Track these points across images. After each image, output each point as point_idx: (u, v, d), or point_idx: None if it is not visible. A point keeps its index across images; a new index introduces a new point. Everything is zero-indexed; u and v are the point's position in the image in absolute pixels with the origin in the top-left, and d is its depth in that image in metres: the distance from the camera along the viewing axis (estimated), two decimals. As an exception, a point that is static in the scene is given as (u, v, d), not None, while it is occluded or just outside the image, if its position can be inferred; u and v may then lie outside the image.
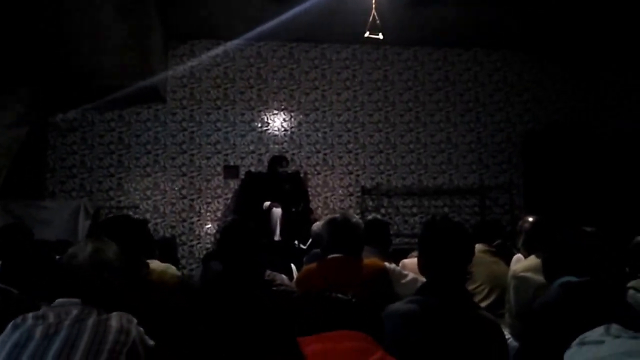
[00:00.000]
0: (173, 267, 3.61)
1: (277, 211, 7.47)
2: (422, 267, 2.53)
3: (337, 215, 3.43)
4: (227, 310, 2.74)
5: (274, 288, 2.91)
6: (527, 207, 8.62)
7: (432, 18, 7.98)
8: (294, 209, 7.63)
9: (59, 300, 2.31)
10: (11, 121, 6.85)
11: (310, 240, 6.05)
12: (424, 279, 2.61)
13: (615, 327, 1.67)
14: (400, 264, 4.05)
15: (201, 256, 8.05)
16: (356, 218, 3.41)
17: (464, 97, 9.23)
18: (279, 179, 7.76)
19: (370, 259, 3.33)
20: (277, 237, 7.34)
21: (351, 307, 1.90)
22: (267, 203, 7.51)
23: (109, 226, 3.35)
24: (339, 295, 1.94)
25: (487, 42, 9.11)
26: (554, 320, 2.45)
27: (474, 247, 2.60)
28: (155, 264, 3.43)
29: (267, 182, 7.85)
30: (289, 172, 7.99)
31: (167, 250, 6.26)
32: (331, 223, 3.37)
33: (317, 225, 5.29)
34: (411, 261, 3.86)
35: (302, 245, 7.10)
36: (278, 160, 7.88)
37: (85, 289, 2.31)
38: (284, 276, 3.17)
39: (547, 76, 9.37)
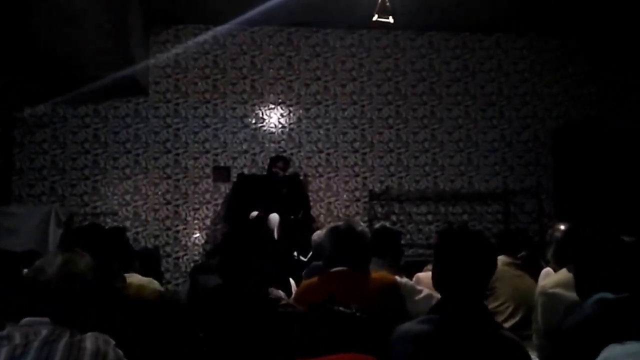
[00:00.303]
0: (155, 282, 3.62)
1: (274, 217, 7.45)
2: (437, 282, 2.51)
3: (340, 223, 3.42)
4: (223, 330, 2.74)
5: (280, 310, 2.90)
6: (558, 213, 8.57)
7: (450, -1, 7.98)
8: (292, 217, 7.63)
9: (26, 319, 2.27)
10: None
11: (310, 251, 6.04)
12: (439, 296, 2.60)
13: None
14: (414, 278, 4.05)
15: (188, 269, 8.07)
16: (362, 226, 3.40)
17: (486, 89, 9.23)
18: (276, 182, 7.75)
19: (378, 273, 3.33)
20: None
21: (355, 322, 1.90)
22: (254, 213, 7.51)
23: (83, 235, 3.34)
24: (342, 309, 1.94)
25: (511, 26, 9.07)
26: (587, 341, 2.44)
27: (496, 260, 2.59)
28: (135, 278, 3.43)
29: (263, 185, 7.85)
30: (287, 174, 7.97)
31: (149, 262, 6.27)
32: (333, 232, 3.37)
33: (318, 235, 5.27)
34: (426, 275, 3.84)
35: (302, 257, 7.09)
36: (275, 161, 7.89)
37: (55, 307, 2.29)
38: (281, 292, 3.16)
39: (581, 65, 9.34)
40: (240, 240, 3.08)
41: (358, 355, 1.79)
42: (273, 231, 7.38)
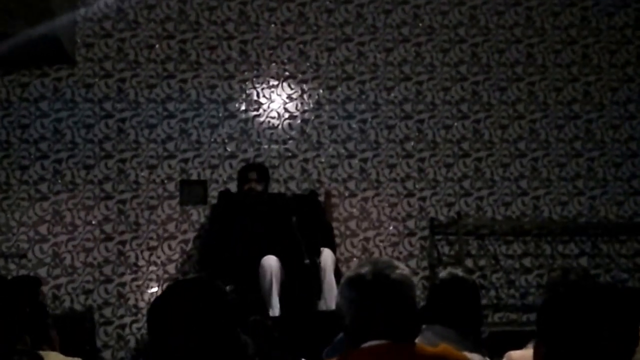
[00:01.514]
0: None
1: (271, 263, 7.40)
2: (544, 365, 2.51)
3: (364, 269, 3.32)
4: None
5: None
6: None
7: None
8: (307, 261, 7.57)
9: None
10: None
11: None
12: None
13: None
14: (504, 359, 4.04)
15: (140, 346, 8.07)
16: (400, 269, 3.32)
17: (618, 57, 9.23)
18: (282, 207, 7.74)
19: (436, 347, 3.30)
20: (275, 312, 7.31)
21: None
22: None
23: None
24: None
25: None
26: None
27: (638, 330, 2.58)
28: (53, 359, 3.43)
29: (258, 210, 7.82)
30: (261, 190, 7.91)
31: (77, 332, 6.28)
32: (355, 284, 3.29)
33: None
34: (524, 355, 3.83)
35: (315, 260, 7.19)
36: (245, 172, 7.89)
37: None
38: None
39: None
40: (192, 298, 2.98)
41: None
42: (270, 286, 7.33)
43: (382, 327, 3.17)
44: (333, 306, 6.66)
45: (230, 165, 8.73)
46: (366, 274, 3.15)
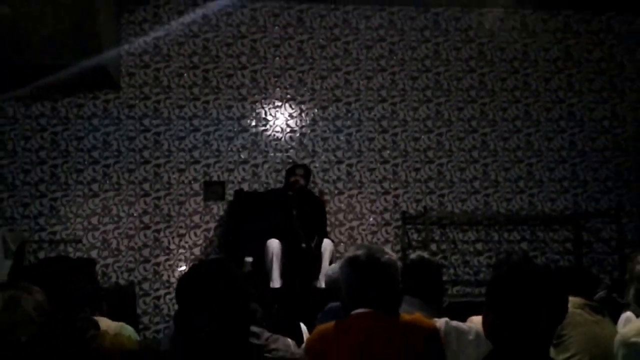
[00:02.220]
0: (129, 328, 3.61)
1: (273, 245, 7.38)
2: (490, 329, 2.51)
3: (360, 251, 3.37)
4: None
5: (267, 354, 2.89)
6: (644, 242, 8.57)
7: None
8: (304, 245, 7.55)
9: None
10: None
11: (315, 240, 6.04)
12: (491, 345, 2.59)
13: None
14: (467, 324, 4.04)
15: (171, 312, 8.06)
16: (389, 255, 3.35)
17: (551, 84, 9.23)
18: (285, 202, 7.71)
19: (413, 315, 3.31)
20: (275, 284, 7.29)
21: None
22: (249, 259, 7.47)
23: (38, 270, 3.33)
24: None
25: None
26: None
27: (566, 301, 2.58)
28: (104, 323, 3.42)
29: (267, 205, 7.80)
30: (303, 184, 7.87)
31: (122, 303, 6.28)
32: (352, 264, 3.33)
33: (332, 269, 5.27)
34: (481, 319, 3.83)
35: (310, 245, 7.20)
36: (292, 170, 7.85)
37: None
38: (289, 340, 3.15)
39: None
40: (205, 273, 2.98)
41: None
42: (271, 262, 7.32)
43: (371, 299, 3.21)
44: (324, 285, 6.81)
45: (244, 169, 8.71)
46: (361, 256, 3.29)
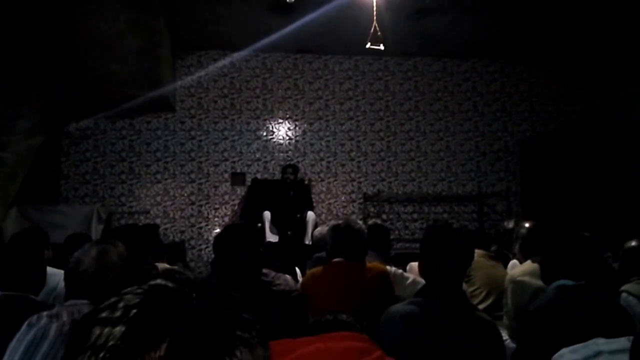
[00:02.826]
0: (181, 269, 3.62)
1: (266, 215, 7.53)
2: (423, 270, 2.53)
3: (341, 221, 3.45)
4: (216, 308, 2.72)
5: (273, 288, 2.91)
6: (525, 213, 8.59)
7: (431, 29, 7.98)
8: (298, 215, 7.64)
9: (70, 301, 2.33)
10: (27, 130, 6.87)
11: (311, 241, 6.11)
12: (423, 282, 2.62)
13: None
14: (408, 267, 4.07)
15: (209, 260, 8.06)
16: (359, 224, 3.42)
17: (463, 107, 9.23)
18: (285, 186, 7.79)
19: (372, 263, 3.35)
20: (269, 238, 7.35)
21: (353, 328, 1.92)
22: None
23: (121, 232, 3.36)
24: (344, 318, 1.96)
25: (485, 53, 9.09)
26: (549, 322, 2.45)
27: (473, 252, 2.60)
28: (162, 267, 3.44)
29: (273, 188, 7.91)
30: (293, 178, 7.95)
31: (177, 254, 6.27)
32: (335, 229, 3.39)
33: (319, 231, 5.30)
34: (418, 264, 3.86)
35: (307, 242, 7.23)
36: (287, 168, 7.94)
37: (92, 291, 2.34)
38: (289, 277, 3.17)
39: (543, 86, 9.34)
40: (234, 231, 3.03)
41: (355, 333, 1.79)
42: (263, 224, 7.44)
43: (345, 252, 3.23)
44: (310, 242, 6.90)
45: (257, 164, 8.68)
46: (341, 224, 3.34)
